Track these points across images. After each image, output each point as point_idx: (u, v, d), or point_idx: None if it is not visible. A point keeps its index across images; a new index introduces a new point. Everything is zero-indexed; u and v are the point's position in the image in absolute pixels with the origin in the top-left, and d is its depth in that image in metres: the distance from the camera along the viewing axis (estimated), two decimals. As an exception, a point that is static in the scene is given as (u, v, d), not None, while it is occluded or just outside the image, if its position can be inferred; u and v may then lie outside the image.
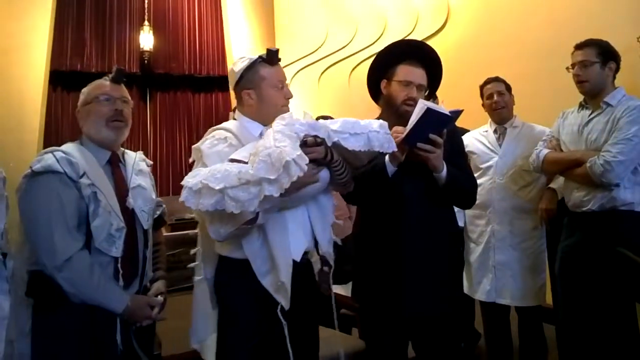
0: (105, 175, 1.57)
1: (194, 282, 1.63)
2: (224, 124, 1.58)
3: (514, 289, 2.35)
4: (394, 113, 1.72)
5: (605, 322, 1.93)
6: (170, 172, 6.29)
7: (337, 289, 2.87)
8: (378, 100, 1.84)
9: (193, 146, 1.54)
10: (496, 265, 2.39)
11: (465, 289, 2.51)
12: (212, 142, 1.48)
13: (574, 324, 2.07)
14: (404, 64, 1.74)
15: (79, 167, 1.50)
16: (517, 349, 2.48)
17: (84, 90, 1.64)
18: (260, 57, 1.57)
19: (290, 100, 1.59)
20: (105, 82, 1.64)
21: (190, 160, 1.55)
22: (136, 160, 1.73)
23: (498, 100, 2.44)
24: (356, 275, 1.86)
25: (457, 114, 1.56)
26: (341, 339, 2.31)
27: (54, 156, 1.50)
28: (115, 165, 1.63)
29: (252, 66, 1.56)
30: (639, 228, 1.93)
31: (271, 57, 1.56)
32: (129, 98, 1.68)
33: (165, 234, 3.38)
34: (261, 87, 1.55)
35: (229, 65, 6.23)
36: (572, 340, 2.09)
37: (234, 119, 1.62)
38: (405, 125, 1.57)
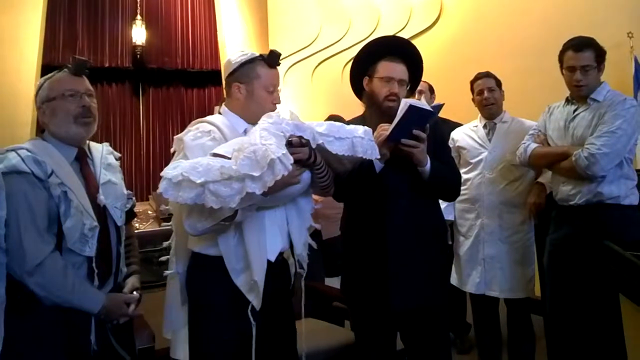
0: (74, 172, 1.50)
1: (166, 275, 1.61)
2: (209, 117, 1.56)
3: (503, 281, 2.38)
4: (377, 109, 1.75)
5: (591, 313, 1.97)
6: (163, 167, 6.27)
7: (330, 282, 2.91)
8: (361, 98, 1.86)
9: (175, 136, 1.52)
10: (485, 258, 2.41)
11: (455, 282, 2.54)
12: (195, 134, 1.46)
13: (561, 315, 2.11)
14: (384, 60, 1.76)
15: (46, 166, 1.42)
16: (505, 340, 2.52)
17: (44, 85, 1.53)
18: (261, 55, 1.57)
19: (277, 105, 1.58)
20: (65, 75, 1.53)
21: (172, 150, 1.52)
22: (103, 154, 1.64)
23: (488, 97, 2.46)
24: (345, 270, 1.88)
25: (438, 108, 1.62)
26: (333, 331, 2.35)
27: (19, 155, 1.41)
28: (83, 162, 1.55)
29: (250, 62, 1.55)
30: (625, 221, 1.97)
31: (272, 59, 1.56)
32: (93, 90, 1.58)
33: (156, 228, 3.39)
34: (253, 85, 1.54)
35: (222, 60, 6.26)
36: (559, 330, 2.13)
37: (219, 112, 1.60)
38: (389, 121, 1.59)
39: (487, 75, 2.50)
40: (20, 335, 1.41)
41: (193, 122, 1.56)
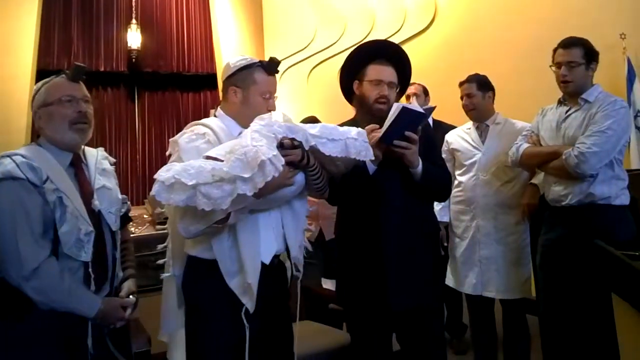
0: (69, 178, 1.50)
1: (162, 278, 1.62)
2: (204, 120, 1.57)
3: (499, 282, 2.39)
4: (367, 112, 1.77)
5: (584, 312, 1.98)
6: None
7: (326, 284, 2.92)
8: (352, 101, 1.88)
9: (171, 139, 1.53)
10: (481, 259, 2.42)
11: (452, 283, 2.56)
12: (190, 136, 1.48)
13: (554, 315, 2.12)
14: (373, 63, 1.79)
15: (41, 172, 1.42)
16: (501, 340, 2.54)
17: (40, 89, 1.53)
18: (260, 62, 1.59)
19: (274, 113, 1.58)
20: (63, 81, 1.54)
21: (167, 153, 1.54)
22: (98, 159, 1.65)
23: (466, 104, 2.49)
24: (340, 274, 1.89)
25: (430, 110, 1.65)
26: (329, 333, 2.35)
27: (14, 161, 1.41)
28: (78, 167, 1.56)
29: (249, 67, 1.57)
30: (616, 221, 1.98)
31: (271, 66, 1.58)
32: (89, 96, 1.59)
33: (152, 232, 3.38)
34: (249, 90, 1.56)
35: (217, 63, 6.27)
36: (553, 329, 2.15)
37: (215, 115, 1.61)
38: (379, 123, 1.61)
39: (469, 80, 2.51)
40: (16, 341, 1.42)
41: (189, 124, 1.58)
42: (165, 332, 1.63)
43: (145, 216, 3.79)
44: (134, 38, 6.19)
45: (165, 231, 3.02)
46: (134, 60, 6.22)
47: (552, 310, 2.13)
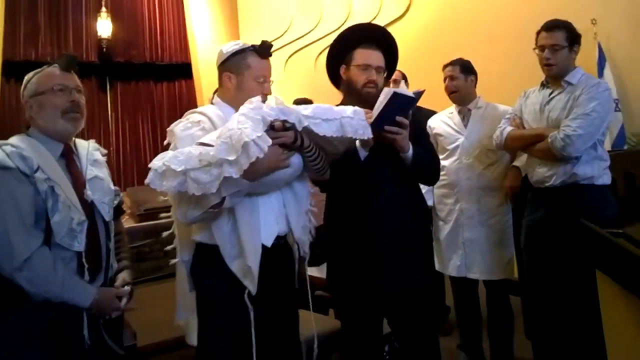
0: (60, 168, 1.50)
1: (171, 263, 1.65)
2: (201, 108, 1.58)
3: (483, 263, 2.44)
4: (355, 97, 1.76)
5: (568, 290, 2.04)
6: (135, 163, 6.15)
7: (311, 271, 2.91)
8: (339, 87, 1.87)
9: (168, 128, 1.54)
10: (465, 241, 2.47)
11: (436, 266, 2.59)
12: (185, 125, 1.48)
13: (538, 294, 2.18)
14: (360, 48, 1.78)
15: (32, 161, 1.42)
16: (485, 320, 2.59)
17: (32, 79, 1.53)
18: (252, 46, 1.59)
19: (267, 97, 1.58)
20: (56, 70, 1.54)
21: (165, 142, 1.54)
22: (90, 150, 1.65)
23: (448, 85, 2.52)
24: (330, 259, 1.89)
25: (419, 94, 1.65)
26: (317, 320, 2.35)
27: (4, 151, 1.42)
28: (69, 158, 1.56)
29: (241, 52, 1.57)
30: (599, 200, 2.04)
31: (263, 49, 1.58)
32: (82, 87, 1.59)
33: (134, 224, 3.32)
34: (244, 75, 1.56)
35: (192, 52, 6.15)
36: (536, 308, 2.20)
37: (212, 103, 1.62)
38: (368, 107, 1.60)
39: (452, 63, 2.53)
40: (11, 332, 1.41)
41: (187, 112, 1.58)
42: (182, 317, 1.65)
43: (124, 208, 3.70)
44: (104, 27, 6.00)
45: (148, 223, 2.98)
46: (104, 49, 6.03)
47: (536, 289, 2.18)
